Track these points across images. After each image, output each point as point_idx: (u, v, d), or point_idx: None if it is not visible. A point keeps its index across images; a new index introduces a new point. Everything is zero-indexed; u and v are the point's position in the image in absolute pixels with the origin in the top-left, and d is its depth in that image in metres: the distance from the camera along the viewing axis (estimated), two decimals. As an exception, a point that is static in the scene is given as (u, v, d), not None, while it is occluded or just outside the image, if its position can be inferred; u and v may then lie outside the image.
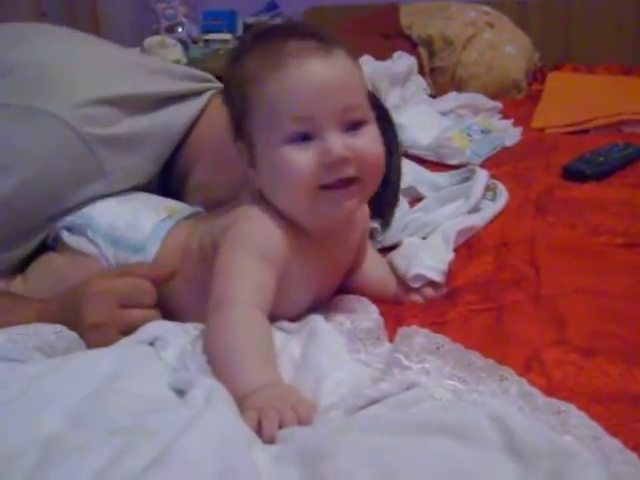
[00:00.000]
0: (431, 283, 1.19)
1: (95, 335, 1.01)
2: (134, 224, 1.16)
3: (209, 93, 1.37)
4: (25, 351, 0.96)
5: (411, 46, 2.85)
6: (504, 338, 1.01)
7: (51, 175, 1.18)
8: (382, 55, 2.53)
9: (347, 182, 0.99)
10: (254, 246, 1.00)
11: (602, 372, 0.92)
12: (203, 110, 1.35)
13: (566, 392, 0.87)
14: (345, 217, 1.06)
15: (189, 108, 1.34)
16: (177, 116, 1.32)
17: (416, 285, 1.18)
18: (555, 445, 0.71)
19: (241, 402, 0.83)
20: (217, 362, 0.91)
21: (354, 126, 0.99)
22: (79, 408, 0.82)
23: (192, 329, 1.03)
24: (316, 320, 1.05)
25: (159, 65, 1.49)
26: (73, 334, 1.02)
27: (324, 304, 1.14)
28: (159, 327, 1.02)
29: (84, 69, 1.27)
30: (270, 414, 0.79)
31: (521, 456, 0.70)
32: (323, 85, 0.97)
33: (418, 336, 0.96)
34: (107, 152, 1.22)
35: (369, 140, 1.00)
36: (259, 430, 0.79)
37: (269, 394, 0.83)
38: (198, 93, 1.36)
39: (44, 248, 1.23)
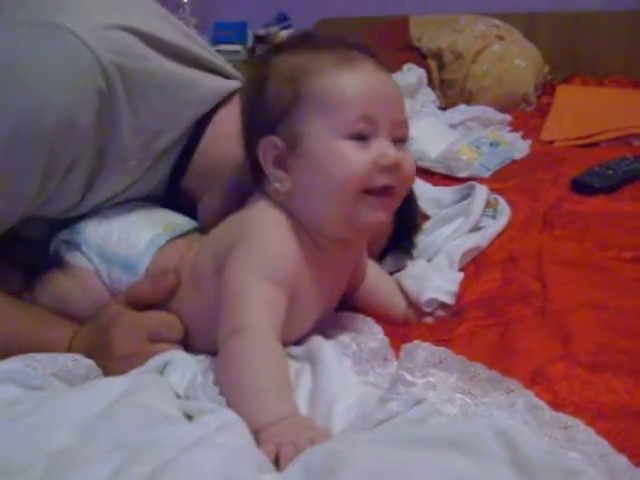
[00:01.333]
0: (442, 304, 1.18)
1: (122, 366, 1.00)
2: (127, 240, 1.14)
3: (237, 84, 1.27)
4: (43, 377, 0.96)
5: (421, 58, 2.86)
6: (510, 352, 1.01)
7: (61, 111, 1.05)
8: (392, 67, 2.51)
9: (386, 191, 0.99)
10: (264, 266, 0.97)
11: (608, 387, 0.92)
12: (228, 98, 1.24)
13: (571, 407, 0.87)
14: (376, 227, 1.06)
15: (222, 84, 1.25)
16: (210, 82, 1.23)
17: (430, 309, 1.17)
18: (561, 461, 0.71)
19: (257, 433, 0.82)
20: (232, 391, 0.89)
21: (397, 141, 1.00)
22: (89, 424, 0.82)
23: (203, 359, 1.03)
24: (320, 345, 1.03)
25: (188, 32, 1.33)
26: (90, 362, 1.02)
27: (327, 324, 1.12)
28: (170, 355, 1.02)
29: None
30: (288, 450, 0.77)
31: (527, 472, 0.70)
32: (390, 93, 1.00)
33: (420, 350, 0.95)
34: (122, 88, 1.09)
35: (409, 156, 1.02)
36: (276, 464, 0.77)
37: (287, 427, 0.82)
38: (228, 77, 1.28)
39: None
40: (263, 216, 1.03)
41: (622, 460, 0.75)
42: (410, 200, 1.17)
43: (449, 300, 1.18)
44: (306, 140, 0.98)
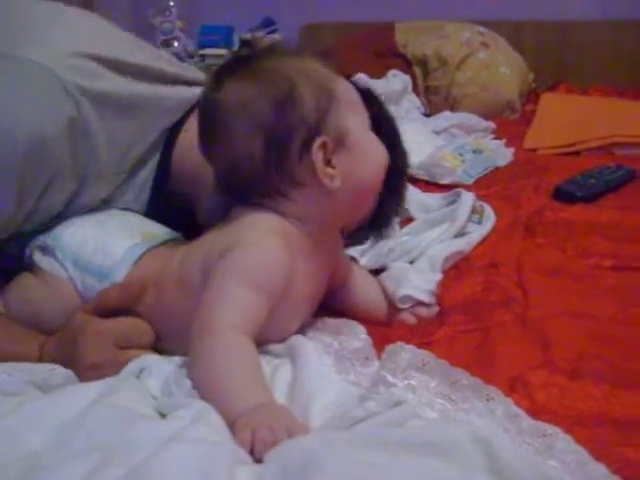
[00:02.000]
0: (422, 303, 1.19)
1: (93, 375, 0.99)
2: (102, 249, 1.13)
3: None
4: (19, 384, 0.96)
5: (406, 65, 2.86)
6: (489, 359, 1.02)
7: (32, 129, 1.06)
8: (376, 73, 2.54)
9: None
10: (251, 277, 0.97)
11: (586, 395, 0.93)
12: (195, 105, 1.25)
13: (549, 414, 0.87)
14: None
15: (187, 93, 1.27)
16: (175, 94, 1.25)
17: (405, 306, 1.18)
18: (539, 470, 0.71)
19: (234, 422, 0.82)
20: (205, 385, 0.90)
21: None
22: (64, 428, 0.82)
23: (178, 360, 1.03)
24: (301, 343, 1.03)
25: (158, 53, 1.40)
26: (68, 372, 1.01)
27: (309, 326, 1.12)
28: (144, 360, 1.02)
29: (75, 27, 1.20)
30: (264, 434, 0.78)
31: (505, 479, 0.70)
32: None
33: (404, 352, 0.96)
34: (91, 110, 1.12)
35: None
36: (251, 449, 0.78)
37: (263, 413, 0.82)
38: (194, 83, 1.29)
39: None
40: (254, 225, 1.03)
41: (600, 469, 0.75)
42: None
43: (426, 298, 1.18)
44: (351, 134, 1.03)
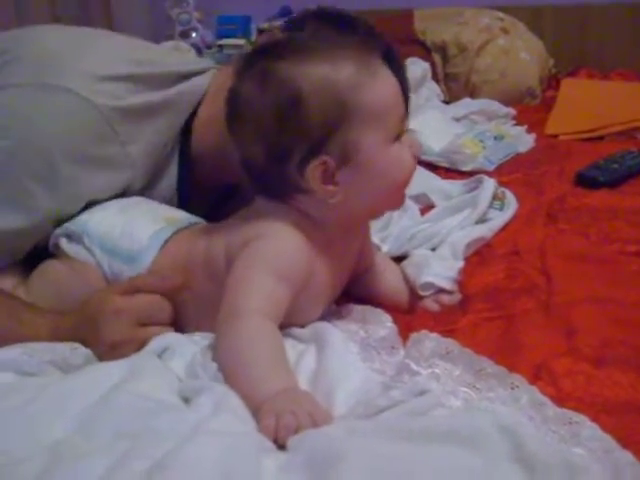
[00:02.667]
0: (444, 290, 1.18)
1: (113, 354, 1.00)
2: (129, 233, 1.14)
3: (212, 71, 1.37)
4: (40, 365, 0.96)
5: (425, 52, 2.84)
6: (514, 346, 1.01)
7: (73, 151, 1.17)
8: (395, 61, 2.53)
9: None
10: (274, 266, 0.99)
11: (612, 382, 0.92)
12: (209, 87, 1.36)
13: (575, 402, 0.87)
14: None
15: (198, 82, 1.34)
16: (188, 88, 1.32)
17: (426, 293, 1.17)
18: (565, 458, 0.71)
19: (258, 407, 0.83)
20: (230, 369, 0.90)
21: None
22: (87, 414, 0.83)
23: (200, 339, 1.03)
24: (326, 329, 1.04)
25: (168, 49, 1.52)
26: (88, 351, 1.02)
27: (335, 314, 1.13)
28: (167, 339, 1.02)
29: (95, 51, 1.27)
30: (287, 420, 0.79)
31: (530, 468, 0.70)
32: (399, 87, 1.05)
33: (428, 340, 0.96)
34: (123, 123, 1.21)
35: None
36: (276, 436, 0.78)
37: (286, 398, 0.82)
38: (203, 72, 1.37)
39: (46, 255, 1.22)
40: (277, 217, 1.04)
41: (627, 456, 0.74)
42: None
43: (447, 285, 1.18)
44: (362, 152, 1.00)
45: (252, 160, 1.03)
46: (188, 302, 1.09)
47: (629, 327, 1.06)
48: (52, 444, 0.78)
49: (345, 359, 0.96)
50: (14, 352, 0.98)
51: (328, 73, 0.98)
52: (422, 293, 1.17)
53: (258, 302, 0.96)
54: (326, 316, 1.11)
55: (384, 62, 1.04)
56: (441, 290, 1.18)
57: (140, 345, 1.01)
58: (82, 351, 1.01)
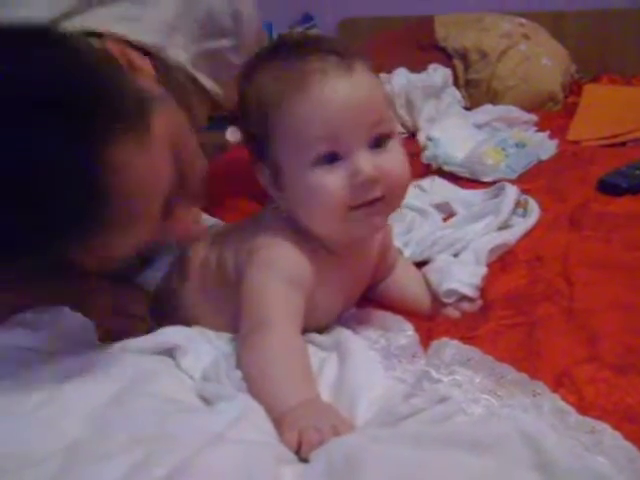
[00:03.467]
0: (466, 297, 1.17)
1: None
2: None
3: None
4: (43, 339, 0.98)
5: (446, 58, 2.83)
6: (535, 353, 1.00)
7: None
8: (417, 67, 2.53)
9: (375, 201, 0.98)
10: (282, 271, 1.00)
11: (635, 390, 0.91)
12: None
13: (597, 410, 0.86)
14: (373, 234, 1.09)
15: None
16: None
17: (449, 300, 1.17)
18: (588, 466, 0.71)
19: (280, 419, 0.83)
20: (254, 379, 0.91)
21: (379, 141, 0.98)
22: (102, 414, 0.83)
23: (215, 337, 1.04)
24: (348, 338, 1.04)
25: None
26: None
27: (356, 320, 1.13)
28: (178, 333, 1.03)
29: None
30: (311, 435, 0.79)
31: (553, 476, 0.70)
32: (348, 103, 0.95)
33: (448, 347, 0.96)
34: None
35: (395, 156, 1.00)
36: (298, 450, 0.78)
37: (309, 412, 0.83)
38: None
39: None
40: (275, 227, 1.05)
41: (650, 465, 0.74)
42: None
43: (470, 292, 1.17)
44: (284, 169, 0.99)
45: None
46: (201, 301, 1.12)
47: (652, 334, 1.05)
48: (68, 446, 0.78)
49: (367, 368, 0.97)
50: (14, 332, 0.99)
51: (265, 85, 0.99)
52: (445, 300, 1.17)
53: (278, 311, 0.97)
54: (346, 321, 1.12)
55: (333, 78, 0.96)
56: (463, 297, 1.17)
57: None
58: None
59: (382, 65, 2.49)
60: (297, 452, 0.78)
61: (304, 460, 0.77)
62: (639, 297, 1.17)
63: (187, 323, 1.09)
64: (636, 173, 1.75)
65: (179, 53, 1.23)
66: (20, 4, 1.07)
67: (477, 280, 1.19)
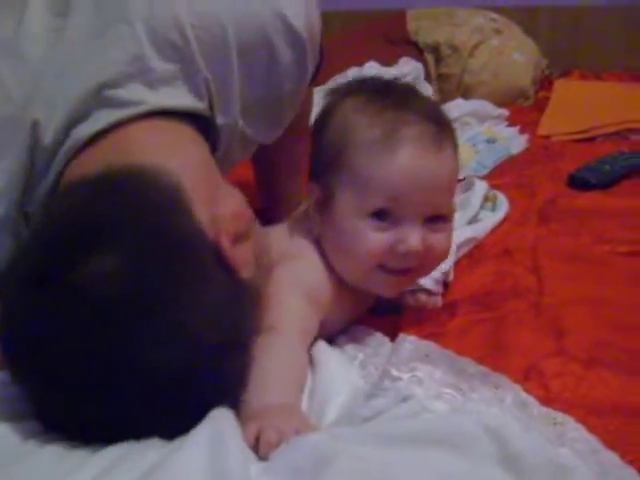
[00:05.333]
0: (426, 290, 1.17)
1: None
2: None
3: None
4: None
5: (417, 52, 2.83)
6: (503, 348, 1.00)
7: None
8: (388, 61, 2.52)
9: (405, 271, 1.02)
10: (304, 287, 1.01)
11: (602, 383, 0.91)
12: None
13: (564, 403, 0.86)
14: (391, 296, 1.10)
15: None
16: None
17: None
18: (552, 459, 0.70)
19: (251, 415, 0.82)
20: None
21: (434, 220, 1.00)
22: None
23: None
24: (323, 347, 1.03)
25: None
26: None
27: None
28: None
29: None
30: (270, 434, 0.77)
31: (517, 470, 0.69)
32: (426, 180, 0.98)
33: (406, 343, 0.95)
34: None
35: (443, 237, 1.03)
36: (255, 446, 0.77)
37: (275, 414, 0.81)
38: None
39: None
40: (309, 237, 1.06)
41: (613, 457, 0.74)
42: None
43: (430, 285, 1.17)
44: (336, 204, 1.01)
45: None
46: None
47: (620, 328, 1.05)
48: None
49: (336, 375, 0.95)
50: None
51: (355, 121, 1.00)
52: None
53: (290, 321, 0.96)
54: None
55: (429, 144, 0.98)
56: (422, 289, 1.17)
57: None
58: None
59: (353, 58, 2.49)
60: (255, 450, 0.77)
61: (262, 459, 0.76)
62: (607, 291, 1.17)
63: None
64: (605, 168, 1.76)
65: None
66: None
67: (438, 274, 1.18)
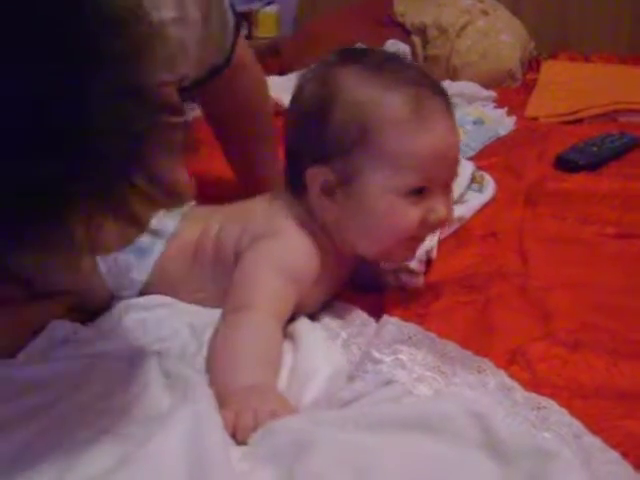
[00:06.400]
0: (407, 269, 1.15)
1: None
2: None
3: None
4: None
5: (404, 34, 2.82)
6: (488, 330, 0.99)
7: None
8: (375, 43, 2.48)
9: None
10: (283, 265, 0.99)
11: (588, 366, 0.90)
12: None
13: (550, 387, 0.85)
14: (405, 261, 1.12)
15: None
16: None
17: (387, 267, 1.15)
18: (535, 443, 0.70)
19: (227, 397, 0.81)
20: (217, 356, 0.90)
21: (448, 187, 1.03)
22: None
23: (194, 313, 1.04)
24: (306, 325, 1.02)
25: None
26: None
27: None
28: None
29: None
30: (246, 417, 0.76)
31: (501, 455, 0.69)
32: (454, 154, 1.01)
33: (389, 325, 0.94)
34: None
35: (451, 201, 1.05)
36: (234, 432, 0.76)
37: (251, 396, 0.80)
38: None
39: None
40: (290, 216, 1.04)
41: (596, 441, 0.73)
42: None
43: (414, 265, 1.15)
44: (364, 184, 0.98)
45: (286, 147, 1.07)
46: (194, 278, 1.08)
47: (606, 311, 1.04)
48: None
49: (318, 353, 0.94)
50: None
51: (362, 88, 0.98)
52: (383, 266, 1.15)
53: (265, 300, 0.95)
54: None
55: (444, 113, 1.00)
56: (405, 268, 1.15)
57: None
58: None
59: (340, 40, 2.46)
60: (233, 435, 0.76)
61: (241, 444, 0.75)
62: (593, 274, 1.16)
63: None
64: (593, 150, 1.76)
65: None
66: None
67: (422, 253, 1.16)
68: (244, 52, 1.32)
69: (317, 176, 1.00)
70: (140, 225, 0.67)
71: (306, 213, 1.04)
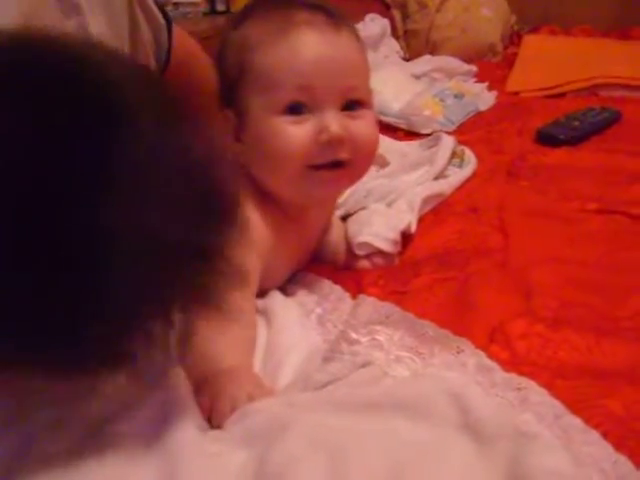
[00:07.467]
0: (382, 252, 1.13)
1: None
2: None
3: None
4: None
5: (384, 8, 2.80)
6: (468, 308, 0.97)
7: None
8: (354, 18, 2.46)
9: (337, 164, 0.96)
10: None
11: (569, 345, 0.88)
12: None
13: (530, 366, 0.83)
14: (331, 198, 1.08)
15: None
16: None
17: (361, 253, 1.13)
18: (514, 424, 0.69)
19: (203, 381, 0.79)
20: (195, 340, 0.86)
21: (352, 106, 0.97)
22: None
23: None
24: (280, 300, 1.00)
25: None
26: None
27: (292, 283, 1.10)
28: None
29: None
30: (223, 404, 0.75)
31: (480, 436, 0.67)
32: (331, 59, 0.95)
33: (365, 305, 0.92)
34: None
35: (366, 123, 0.99)
36: (210, 417, 0.75)
37: (227, 380, 0.79)
38: None
39: None
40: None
41: (577, 422, 0.72)
42: None
43: (384, 247, 1.13)
44: (249, 114, 0.97)
45: None
46: None
47: (588, 288, 1.02)
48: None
49: (293, 331, 0.93)
50: None
51: (248, 31, 0.98)
52: (358, 252, 1.13)
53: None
54: (283, 284, 1.08)
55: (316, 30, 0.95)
56: (379, 251, 1.13)
57: None
58: None
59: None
60: (209, 420, 0.75)
61: (217, 428, 0.73)
62: (574, 250, 1.15)
63: None
64: (574, 124, 1.75)
65: None
66: None
67: (394, 234, 1.14)
68: (188, 42, 1.33)
69: (226, 119, 0.99)
70: None
71: (249, 185, 1.01)
